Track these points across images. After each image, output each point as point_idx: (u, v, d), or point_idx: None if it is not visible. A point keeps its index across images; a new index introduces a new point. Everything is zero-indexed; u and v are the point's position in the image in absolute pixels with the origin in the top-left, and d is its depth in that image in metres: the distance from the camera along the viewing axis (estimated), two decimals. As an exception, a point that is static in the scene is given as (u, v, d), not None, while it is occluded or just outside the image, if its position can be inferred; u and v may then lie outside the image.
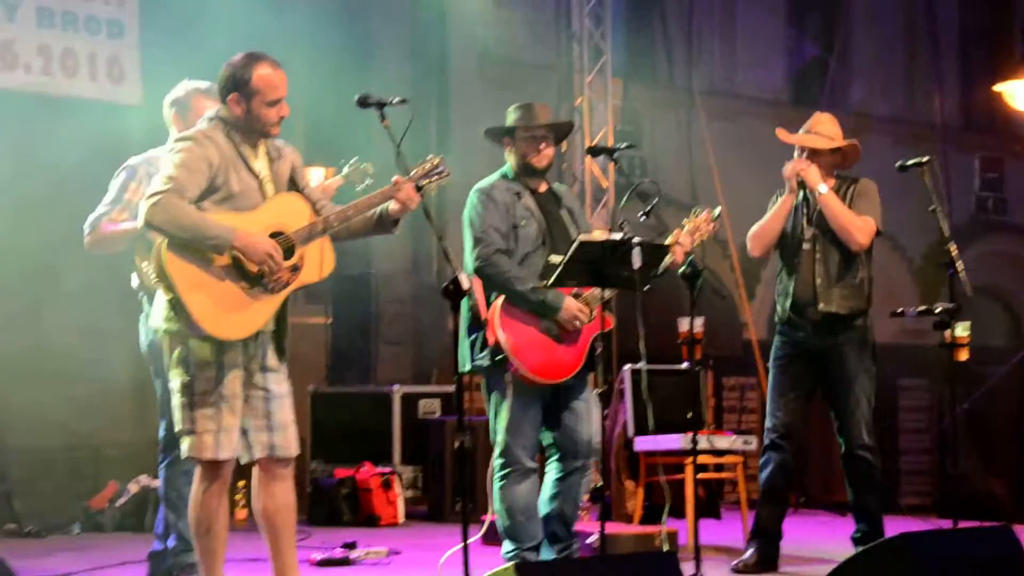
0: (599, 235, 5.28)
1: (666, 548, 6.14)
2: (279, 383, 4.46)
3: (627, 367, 7.44)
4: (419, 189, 4.51)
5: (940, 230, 5.77)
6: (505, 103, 5.55)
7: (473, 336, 5.30)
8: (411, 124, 4.47)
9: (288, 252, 4.40)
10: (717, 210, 5.73)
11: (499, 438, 5.30)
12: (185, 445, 4.38)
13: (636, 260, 4.94)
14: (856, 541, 5.99)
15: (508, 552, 5.32)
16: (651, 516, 7.19)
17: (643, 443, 7.09)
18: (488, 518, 6.01)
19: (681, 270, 5.40)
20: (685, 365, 7.49)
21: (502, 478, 5.30)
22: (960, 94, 14.26)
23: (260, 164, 4.45)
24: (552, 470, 5.40)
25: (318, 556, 6.31)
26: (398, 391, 8.81)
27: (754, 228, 6.09)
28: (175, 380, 4.38)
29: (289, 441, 4.46)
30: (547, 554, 5.39)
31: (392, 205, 4.52)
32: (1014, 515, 7.51)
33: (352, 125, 5.92)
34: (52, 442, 7.95)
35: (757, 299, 12.02)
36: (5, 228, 7.49)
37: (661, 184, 5.68)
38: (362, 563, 6.39)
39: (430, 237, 10.15)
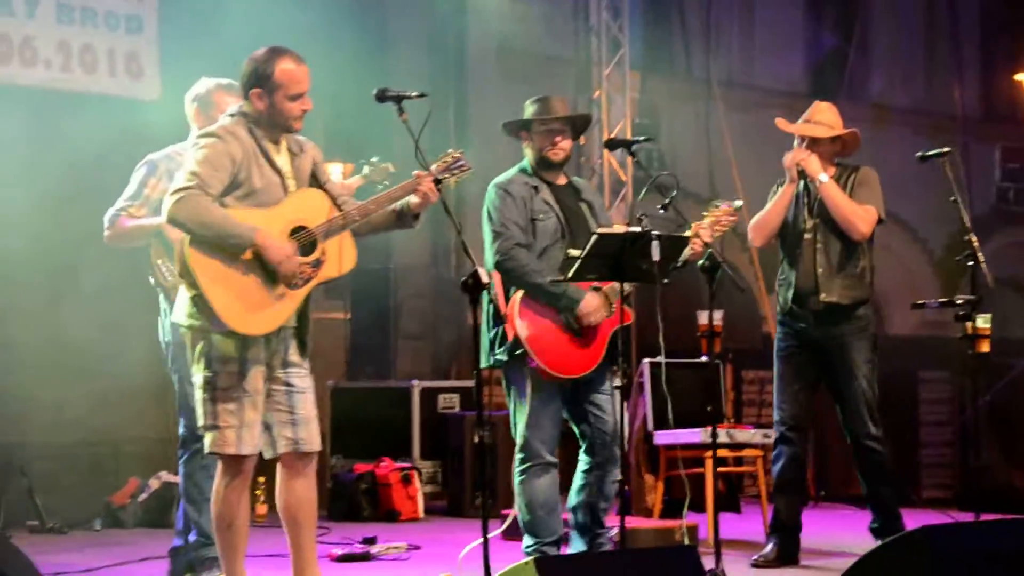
0: (618, 228, 5.27)
1: (686, 542, 6.13)
2: (301, 378, 4.47)
3: (646, 361, 7.43)
4: (438, 183, 4.51)
5: (961, 221, 5.74)
6: (523, 96, 5.53)
7: (494, 331, 5.30)
8: (429, 118, 4.47)
9: (310, 247, 4.40)
10: (738, 203, 5.71)
11: (519, 433, 5.30)
12: (207, 440, 4.39)
13: (655, 253, 4.93)
14: (874, 532, 5.97)
15: (528, 546, 5.32)
16: (671, 510, 7.18)
17: (663, 437, 7.09)
18: (511, 513, 6.00)
19: (700, 263, 5.38)
20: (704, 358, 7.50)
21: (522, 472, 5.30)
22: (980, 84, 14.18)
23: (282, 160, 4.46)
24: (581, 462, 5.41)
25: (338, 551, 6.33)
26: (417, 386, 8.81)
27: (755, 218, 6.08)
28: (198, 376, 4.39)
29: (312, 435, 4.46)
30: (578, 545, 5.40)
31: (413, 199, 4.52)
32: (1037, 508, 7.46)
33: (370, 120, 5.93)
34: (73, 438, 7.98)
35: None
36: (25, 224, 7.51)
37: (679, 177, 5.64)
38: (382, 558, 6.39)
39: (449, 231, 10.14)
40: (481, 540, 4.41)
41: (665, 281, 5.06)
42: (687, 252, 5.30)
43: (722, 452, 6.86)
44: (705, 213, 5.54)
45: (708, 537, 6.07)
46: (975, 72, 14.14)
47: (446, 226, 9.82)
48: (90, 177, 7.22)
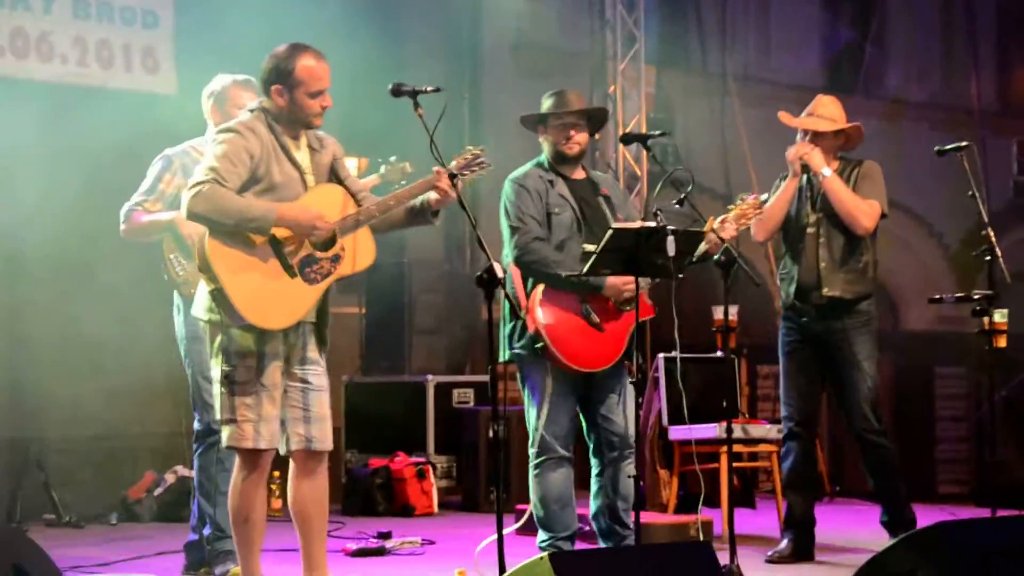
0: (633, 223, 5.26)
1: (701, 538, 6.12)
2: (318, 376, 4.48)
3: (661, 356, 7.42)
4: (453, 178, 4.50)
5: (978, 215, 5.71)
6: (537, 91, 5.53)
7: (511, 324, 5.30)
8: (444, 113, 4.46)
9: (329, 242, 4.41)
10: (764, 195, 5.70)
11: (534, 427, 5.30)
12: (225, 434, 4.40)
13: (670, 248, 4.92)
14: (885, 525, 5.96)
15: (543, 541, 5.32)
16: (686, 505, 7.18)
17: (677, 432, 7.08)
18: (525, 508, 6.00)
19: (716, 258, 5.37)
20: (719, 353, 7.48)
21: (536, 467, 5.30)
22: (997, 78, 14.12)
23: (302, 155, 4.47)
24: (592, 466, 5.40)
25: (353, 546, 6.33)
26: (432, 381, 8.82)
27: None
28: (216, 369, 4.40)
29: (325, 435, 4.47)
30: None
31: (432, 196, 4.52)
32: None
33: (385, 115, 5.92)
34: (89, 433, 8.01)
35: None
36: (41, 219, 7.53)
37: (694, 172, 5.65)
38: (397, 553, 6.40)
39: (464, 226, 10.16)
40: (497, 535, 4.41)
41: (680, 276, 5.05)
42: (703, 246, 5.29)
43: (737, 447, 6.85)
44: (731, 206, 5.53)
45: (723, 533, 6.07)
46: (992, 66, 14.09)
47: (461, 221, 9.83)
48: (106, 172, 7.24)
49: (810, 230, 5.96)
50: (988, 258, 5.68)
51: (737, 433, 6.63)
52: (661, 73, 11.43)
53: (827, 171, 5.87)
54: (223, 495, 5.18)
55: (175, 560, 5.79)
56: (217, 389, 4.40)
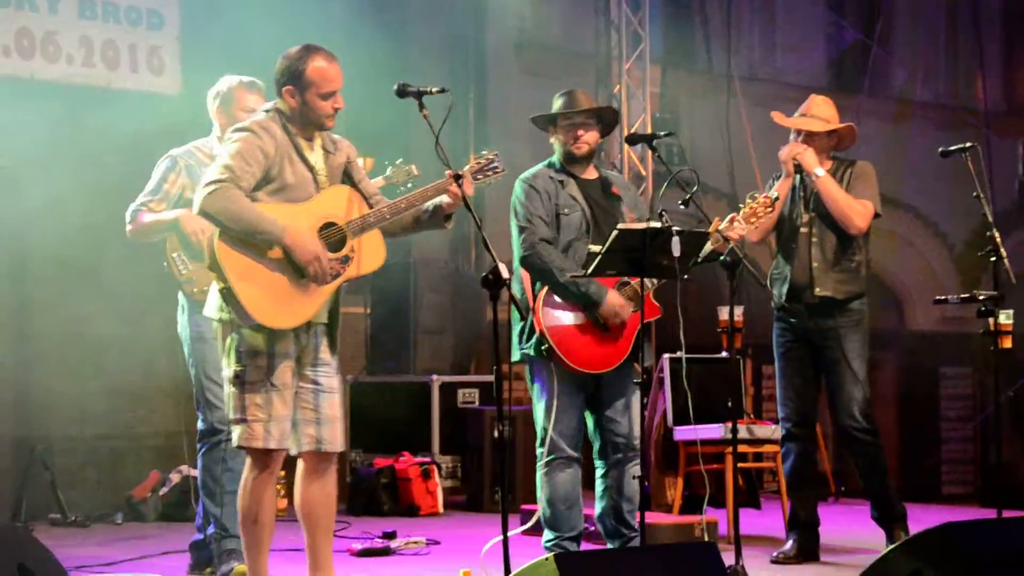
0: (638, 224, 5.26)
1: (706, 538, 6.12)
2: (329, 378, 4.48)
3: (666, 356, 7.41)
4: (457, 179, 4.50)
5: (983, 216, 5.71)
6: (542, 91, 5.53)
7: (521, 324, 5.30)
8: (449, 113, 4.46)
9: (339, 243, 4.42)
10: (775, 193, 5.70)
11: (541, 427, 5.30)
12: (236, 433, 4.40)
13: (676, 248, 4.92)
14: (876, 520, 5.97)
15: (548, 541, 5.32)
16: (691, 506, 7.17)
17: (682, 432, 7.08)
18: (532, 508, 6.00)
19: (721, 258, 5.37)
20: (725, 354, 7.48)
21: (544, 467, 5.30)
22: (1003, 79, 14.10)
23: (315, 156, 4.48)
24: (597, 468, 5.41)
25: (358, 546, 6.33)
26: (437, 381, 8.82)
27: None
28: (227, 369, 4.41)
29: (336, 436, 4.47)
30: None
31: (444, 199, 4.53)
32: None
33: (390, 115, 5.93)
34: (94, 432, 8.02)
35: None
36: (46, 219, 7.54)
37: (699, 172, 5.63)
38: (402, 553, 6.40)
39: (469, 225, 10.15)
40: (502, 536, 4.41)
41: (685, 277, 5.05)
42: (708, 247, 5.29)
43: (742, 448, 6.84)
44: (742, 205, 5.52)
45: (728, 533, 6.07)
46: (998, 67, 14.07)
47: (466, 220, 9.81)
48: (111, 172, 7.25)
49: (803, 230, 5.95)
50: (993, 259, 5.68)
51: (742, 433, 6.63)
52: (666, 73, 11.42)
53: (820, 171, 5.87)
54: (228, 494, 5.19)
55: (180, 560, 5.79)
56: (228, 389, 4.41)
